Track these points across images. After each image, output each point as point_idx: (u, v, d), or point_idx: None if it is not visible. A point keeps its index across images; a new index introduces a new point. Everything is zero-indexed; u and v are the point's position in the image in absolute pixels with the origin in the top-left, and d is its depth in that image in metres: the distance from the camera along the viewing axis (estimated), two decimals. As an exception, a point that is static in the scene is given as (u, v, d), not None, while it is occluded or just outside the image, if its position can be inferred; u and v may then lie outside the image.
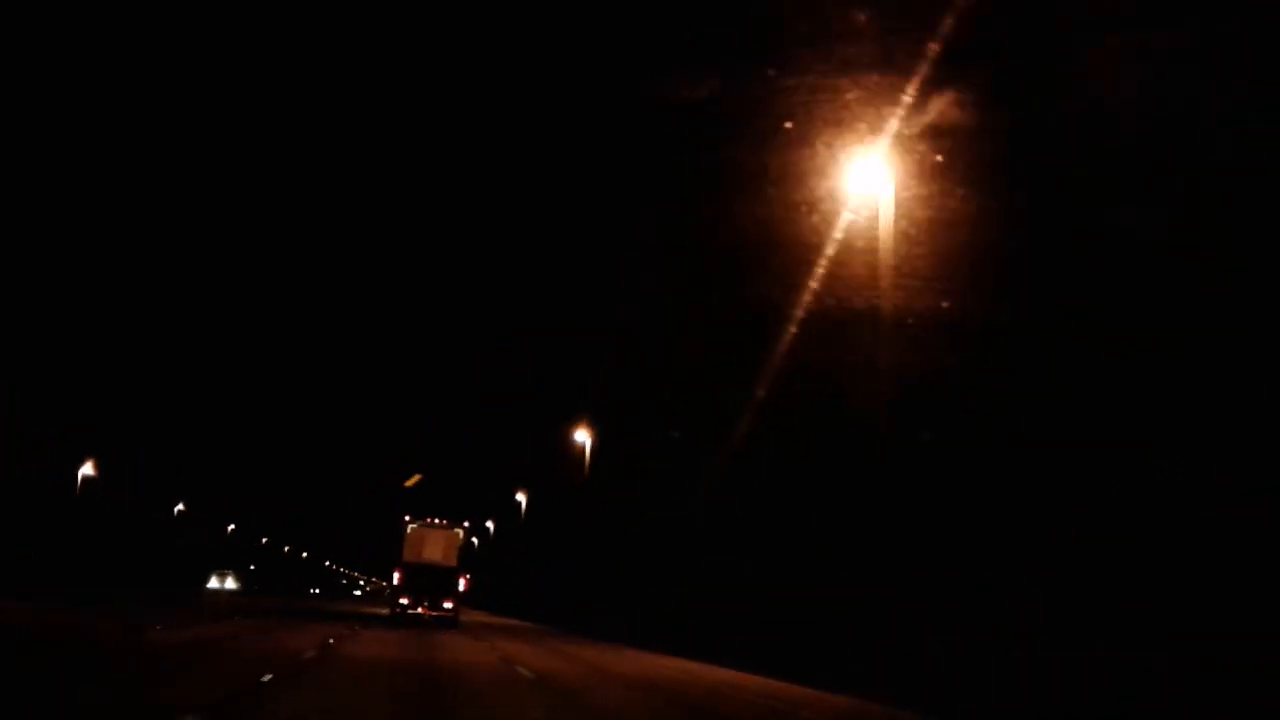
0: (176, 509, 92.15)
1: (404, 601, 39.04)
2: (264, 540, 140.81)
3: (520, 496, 78.84)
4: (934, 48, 16.94)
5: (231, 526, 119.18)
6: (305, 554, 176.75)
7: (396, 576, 40.26)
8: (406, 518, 40.21)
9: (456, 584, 39.28)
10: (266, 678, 14.09)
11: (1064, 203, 19.33)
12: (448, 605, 38.66)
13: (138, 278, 61.43)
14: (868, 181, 19.06)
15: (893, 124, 18.04)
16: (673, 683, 20.65)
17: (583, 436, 49.45)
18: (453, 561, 39.42)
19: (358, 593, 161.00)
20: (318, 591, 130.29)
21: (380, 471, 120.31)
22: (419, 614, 38.40)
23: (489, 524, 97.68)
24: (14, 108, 39.88)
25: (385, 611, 42.35)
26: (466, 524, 43.01)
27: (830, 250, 21.30)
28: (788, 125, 20.88)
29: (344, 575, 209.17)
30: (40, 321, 51.63)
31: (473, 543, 68.01)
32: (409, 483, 78.76)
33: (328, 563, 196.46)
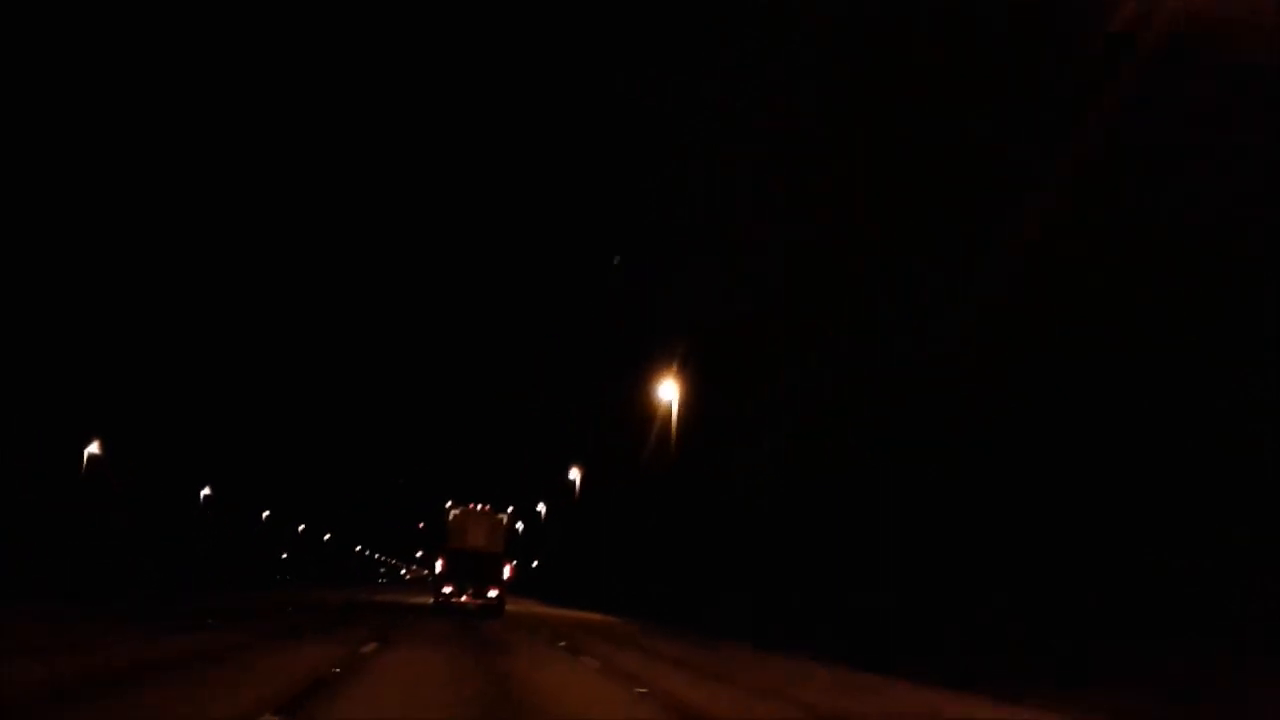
0: (203, 493, 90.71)
1: (447, 590, 37.42)
2: (300, 529, 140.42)
3: (574, 474, 72.34)
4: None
5: (266, 513, 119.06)
6: (358, 546, 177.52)
7: (439, 564, 38.44)
8: (449, 503, 39.07)
9: (501, 571, 37.90)
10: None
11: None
12: (492, 594, 37.20)
13: (182, 267, 62.80)
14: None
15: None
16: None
17: (669, 392, 40.68)
18: (497, 547, 38.07)
19: (383, 580, 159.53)
20: (383, 580, 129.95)
21: (423, 455, 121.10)
22: (463, 603, 36.99)
23: (540, 506, 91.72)
24: (35, 103, 40.40)
25: (429, 600, 40.28)
26: (510, 509, 41.40)
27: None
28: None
29: (383, 563, 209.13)
30: (83, 314, 52.69)
31: (517, 528, 64.37)
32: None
33: (368, 550, 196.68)
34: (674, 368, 40.27)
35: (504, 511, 39.75)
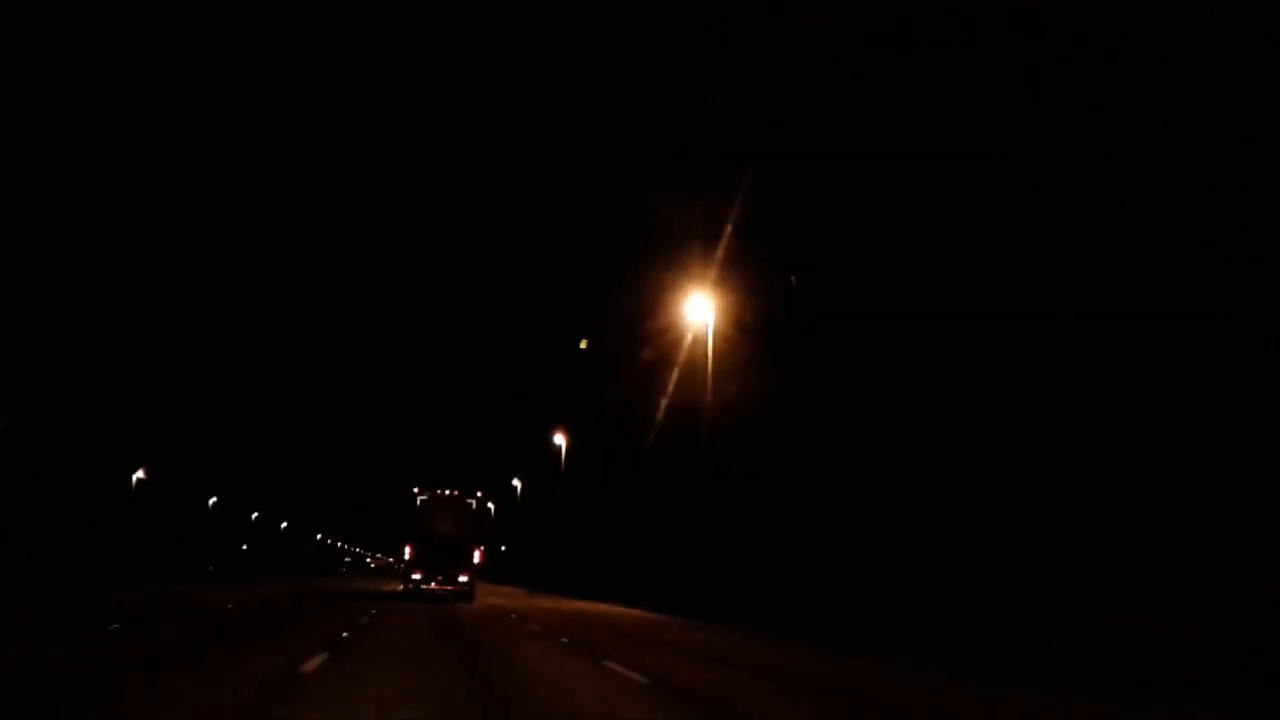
0: (210, 502, 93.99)
1: (416, 576, 37.32)
2: (283, 525, 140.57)
3: (559, 438, 64.18)
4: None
5: (255, 514, 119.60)
6: (321, 536, 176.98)
7: (408, 551, 38.24)
8: (415, 489, 38.80)
9: (470, 556, 37.69)
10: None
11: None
12: (462, 579, 37.17)
13: (160, 286, 62.54)
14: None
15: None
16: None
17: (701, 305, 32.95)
18: (466, 533, 37.89)
19: (343, 570, 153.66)
20: (343, 570, 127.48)
21: (388, 443, 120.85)
22: (432, 589, 37.04)
23: (515, 482, 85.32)
24: (34, 102, 40.43)
25: (399, 588, 40.16)
26: (479, 493, 41.13)
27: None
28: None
29: (347, 552, 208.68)
30: (66, 331, 52.31)
31: (488, 510, 62.70)
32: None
33: (331, 540, 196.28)
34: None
35: (473, 496, 39.43)
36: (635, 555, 47.76)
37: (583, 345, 58.19)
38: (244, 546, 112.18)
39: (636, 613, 34.57)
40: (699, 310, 33.42)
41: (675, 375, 38.72)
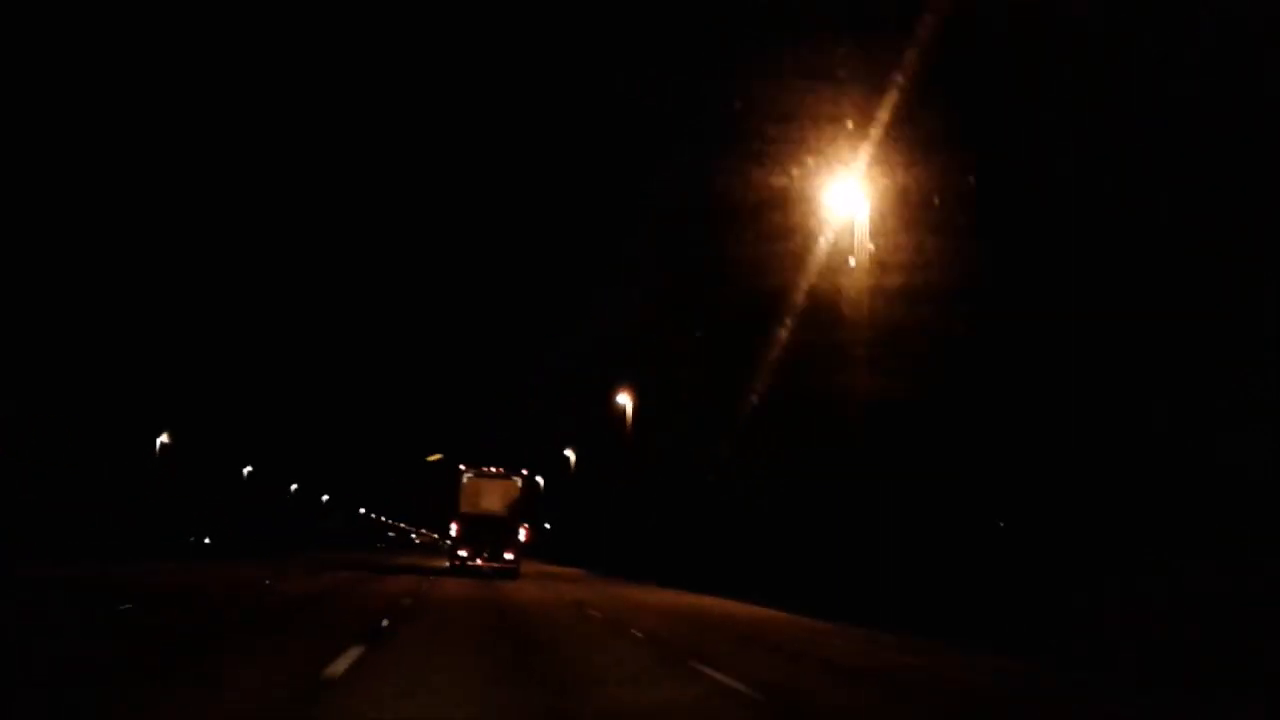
0: (246, 471, 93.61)
1: (463, 554, 37.91)
2: (324, 498, 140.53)
3: (624, 398, 55.58)
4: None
5: (295, 486, 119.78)
6: (363, 509, 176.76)
7: (454, 529, 38.81)
8: (461, 466, 39.15)
9: (516, 534, 38.10)
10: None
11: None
12: (508, 556, 37.58)
13: (219, 268, 63.03)
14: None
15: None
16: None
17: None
18: (512, 511, 38.23)
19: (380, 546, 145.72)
20: (381, 545, 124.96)
21: (434, 420, 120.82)
22: (478, 565, 37.48)
23: (568, 453, 77.92)
24: (34, 101, 40.62)
25: (445, 564, 40.90)
26: (525, 471, 41.09)
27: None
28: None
29: (392, 527, 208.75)
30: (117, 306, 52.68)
31: (537, 484, 60.97)
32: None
33: (378, 516, 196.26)
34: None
35: (519, 474, 39.66)
36: (729, 538, 40.15)
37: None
38: (268, 518, 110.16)
39: (755, 610, 26.04)
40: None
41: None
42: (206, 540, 66.32)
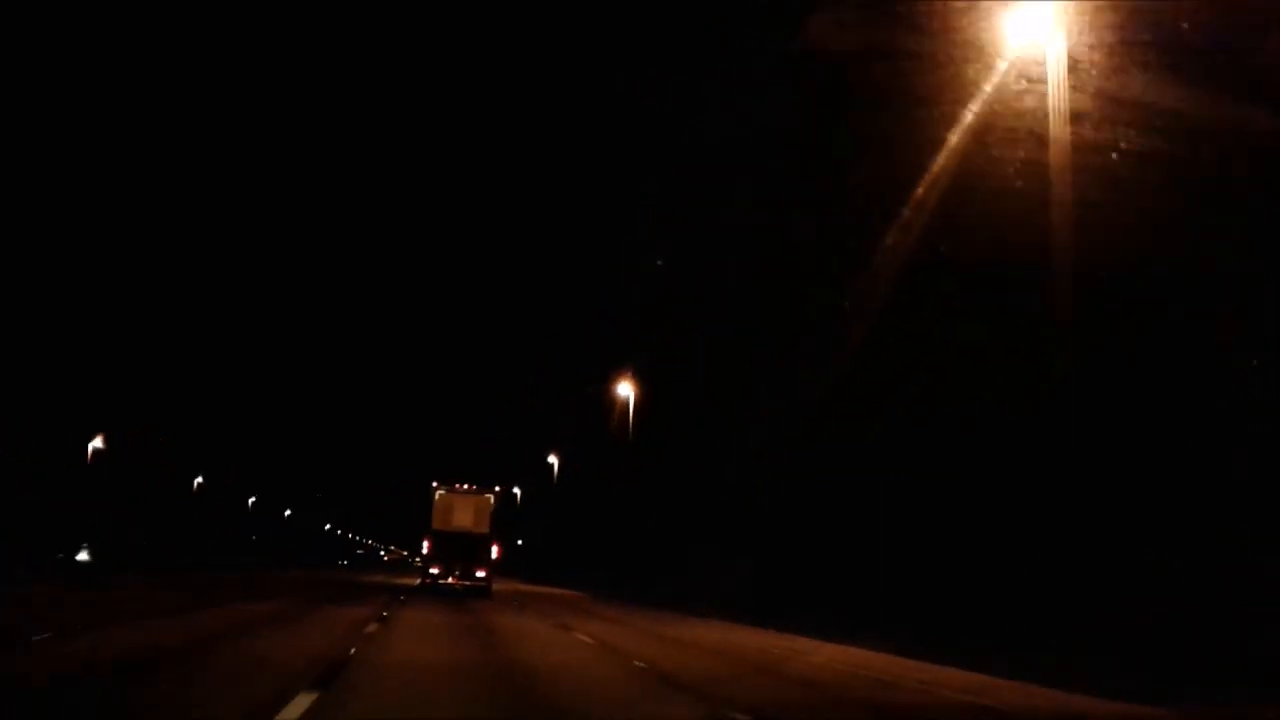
0: (196, 482, 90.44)
1: (434, 571, 37.51)
2: (286, 513, 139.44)
3: (626, 389, 49.41)
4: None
5: (252, 500, 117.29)
6: (329, 526, 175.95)
7: (425, 545, 38.44)
8: (434, 483, 38.63)
9: (489, 551, 37.76)
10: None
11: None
12: (480, 574, 37.22)
13: (182, 263, 62.36)
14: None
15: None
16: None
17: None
18: (484, 528, 37.77)
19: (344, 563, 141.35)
20: (346, 563, 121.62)
21: (402, 439, 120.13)
22: (450, 584, 37.03)
23: (551, 459, 75.52)
24: (35, 102, 40.64)
25: (416, 582, 40.26)
26: (498, 488, 40.67)
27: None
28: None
29: (360, 544, 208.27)
30: (82, 307, 52.21)
31: (514, 493, 59.88)
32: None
33: (344, 532, 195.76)
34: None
35: (491, 491, 39.22)
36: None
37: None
38: (253, 537, 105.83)
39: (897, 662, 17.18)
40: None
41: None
42: (82, 556, 54.93)
